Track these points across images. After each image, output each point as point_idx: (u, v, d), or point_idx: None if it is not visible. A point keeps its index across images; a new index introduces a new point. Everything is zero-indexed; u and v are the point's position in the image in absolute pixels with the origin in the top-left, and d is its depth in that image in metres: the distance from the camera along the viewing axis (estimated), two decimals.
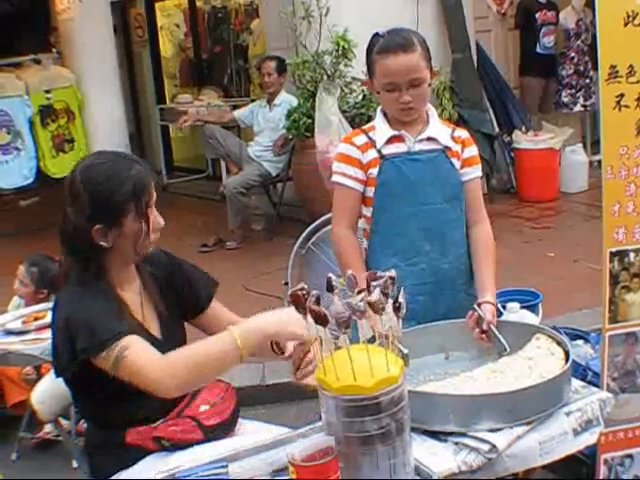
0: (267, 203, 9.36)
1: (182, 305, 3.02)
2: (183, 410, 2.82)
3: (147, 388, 2.49)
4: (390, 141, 3.34)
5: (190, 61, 13.44)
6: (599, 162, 3.66)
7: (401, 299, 2.29)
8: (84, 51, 10.03)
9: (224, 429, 2.88)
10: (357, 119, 7.76)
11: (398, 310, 2.27)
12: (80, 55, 10.11)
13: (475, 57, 9.13)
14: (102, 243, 2.68)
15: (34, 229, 9.42)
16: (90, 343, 2.54)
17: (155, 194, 2.77)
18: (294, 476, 2.15)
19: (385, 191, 3.32)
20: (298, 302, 2.25)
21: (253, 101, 9.92)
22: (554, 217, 8.71)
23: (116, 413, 2.62)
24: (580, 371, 3.62)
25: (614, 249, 3.31)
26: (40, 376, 4.89)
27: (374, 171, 3.33)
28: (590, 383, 3.00)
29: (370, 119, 4.46)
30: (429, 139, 3.35)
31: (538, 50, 9.91)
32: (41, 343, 4.29)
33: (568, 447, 2.63)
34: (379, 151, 3.34)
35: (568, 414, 2.65)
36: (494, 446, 2.47)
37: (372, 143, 3.35)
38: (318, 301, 2.22)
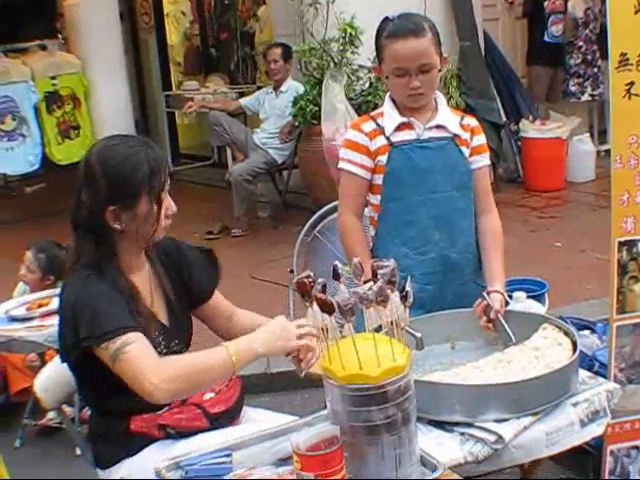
0: (273, 191, 9.34)
1: (188, 294, 3.01)
2: (188, 398, 2.80)
3: (140, 390, 2.47)
4: (399, 128, 3.30)
5: (196, 48, 13.42)
6: (606, 152, 3.65)
7: (408, 288, 2.27)
8: (90, 37, 9.99)
9: (229, 417, 2.87)
10: (363, 107, 7.72)
11: (405, 299, 2.26)
12: (86, 41, 10.07)
13: (483, 45, 9.08)
14: (115, 226, 2.67)
15: (39, 216, 9.42)
16: (93, 332, 2.53)
17: (168, 179, 2.76)
18: (298, 465, 2.14)
19: (394, 179, 3.29)
20: (304, 290, 2.23)
21: (259, 88, 9.90)
22: (561, 207, 8.67)
23: (120, 401, 2.61)
24: (587, 362, 3.61)
25: (623, 239, 3.30)
26: (44, 363, 4.88)
27: (383, 158, 3.29)
28: (597, 374, 3.00)
29: (377, 107, 4.43)
30: (438, 127, 3.32)
31: (546, 39, 9.86)
32: (45, 330, 4.29)
33: (575, 438, 2.62)
34: (388, 138, 3.30)
35: (575, 405, 2.64)
36: (500, 437, 2.47)
37: (381, 130, 3.31)
38: (324, 289, 2.21)
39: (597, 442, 3.35)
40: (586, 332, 4.04)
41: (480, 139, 3.42)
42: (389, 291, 2.22)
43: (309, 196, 8.37)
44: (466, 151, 3.35)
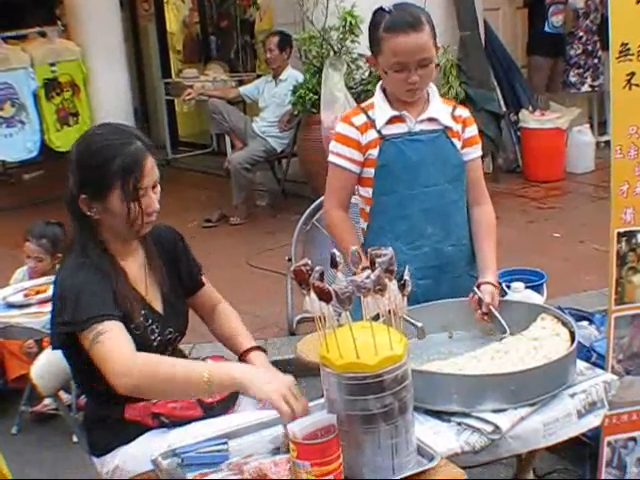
0: (271, 179, 9.35)
1: (183, 281, 3.02)
2: None
3: (107, 378, 2.48)
4: (391, 121, 3.25)
5: (196, 36, 13.39)
6: (606, 143, 3.65)
7: (406, 276, 2.27)
8: (89, 24, 9.95)
9: (223, 406, 2.86)
10: (363, 95, 7.69)
11: (403, 287, 2.25)
12: (85, 28, 10.03)
13: (483, 35, 9.06)
14: (89, 213, 2.69)
15: (38, 203, 9.41)
16: (73, 318, 2.57)
17: (153, 176, 2.72)
18: (295, 454, 2.13)
19: (386, 172, 3.24)
20: (302, 278, 2.22)
21: (259, 77, 9.90)
22: (560, 197, 8.67)
23: (113, 389, 2.60)
24: (584, 353, 3.61)
25: (622, 230, 3.29)
26: (41, 350, 4.87)
27: (374, 152, 3.24)
28: (595, 365, 3.00)
29: None
30: (430, 119, 3.27)
31: (546, 29, 9.83)
32: (43, 317, 4.29)
33: (572, 429, 2.62)
34: (379, 131, 3.25)
35: (572, 396, 2.64)
36: (497, 427, 2.47)
37: (372, 123, 3.26)
38: (322, 277, 2.20)
39: (594, 433, 3.35)
40: (584, 323, 4.04)
41: (472, 130, 3.37)
42: (387, 280, 2.22)
43: (308, 185, 8.36)
44: (458, 143, 3.30)
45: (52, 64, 9.71)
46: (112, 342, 2.51)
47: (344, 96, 7.58)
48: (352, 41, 7.80)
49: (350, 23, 7.68)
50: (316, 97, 7.90)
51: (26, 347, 5.12)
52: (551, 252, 6.76)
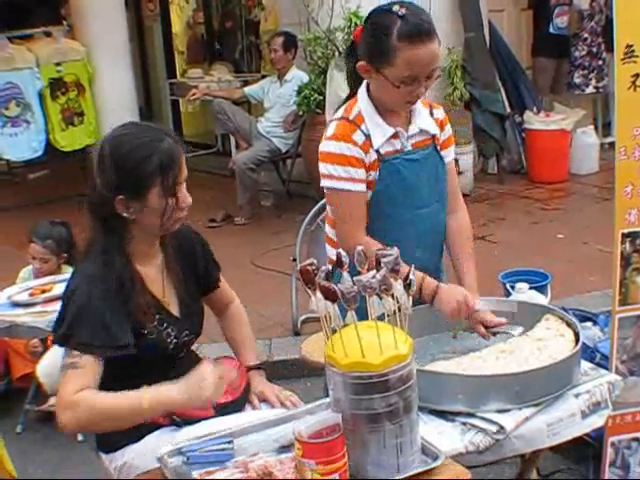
0: (276, 179, 9.35)
1: (200, 282, 3.02)
2: None
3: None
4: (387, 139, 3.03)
5: (201, 36, 13.40)
6: (610, 144, 3.65)
7: (412, 276, 2.27)
8: (95, 24, 9.95)
9: (235, 407, 2.88)
10: None
11: (409, 287, 2.26)
12: (91, 28, 10.03)
13: (488, 36, 9.06)
14: (125, 214, 2.66)
15: (43, 202, 9.42)
16: (65, 334, 2.58)
17: (186, 170, 2.73)
18: (300, 452, 2.14)
19: (384, 197, 3.04)
20: (307, 277, 2.23)
21: (264, 77, 9.89)
22: (564, 199, 8.67)
23: (123, 387, 2.59)
24: (589, 353, 3.62)
25: (626, 230, 3.30)
26: (46, 349, 4.90)
27: (374, 174, 3.02)
28: (598, 365, 3.00)
29: None
30: (420, 131, 3.09)
31: (551, 30, 9.83)
32: (48, 316, 4.29)
33: (576, 429, 2.63)
34: (377, 151, 3.01)
35: (577, 396, 2.65)
36: (502, 427, 2.47)
37: (369, 141, 2.99)
38: (328, 277, 2.21)
39: (598, 433, 3.36)
40: (588, 324, 4.05)
41: (447, 131, 3.20)
42: (392, 279, 2.23)
43: (312, 185, 8.35)
44: (439, 148, 3.16)
45: (57, 64, 9.71)
46: (74, 377, 2.52)
47: None
48: None
49: (355, 24, 7.68)
50: (321, 98, 7.91)
51: (31, 346, 5.13)
52: (555, 253, 6.76)
